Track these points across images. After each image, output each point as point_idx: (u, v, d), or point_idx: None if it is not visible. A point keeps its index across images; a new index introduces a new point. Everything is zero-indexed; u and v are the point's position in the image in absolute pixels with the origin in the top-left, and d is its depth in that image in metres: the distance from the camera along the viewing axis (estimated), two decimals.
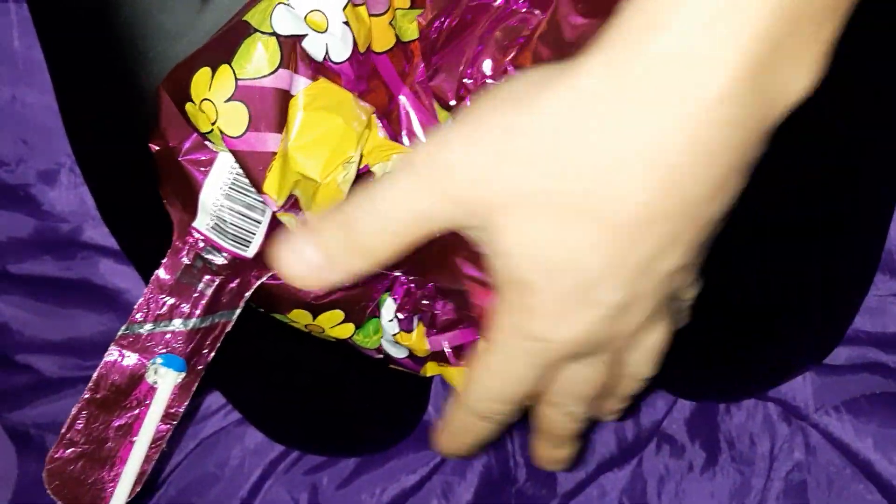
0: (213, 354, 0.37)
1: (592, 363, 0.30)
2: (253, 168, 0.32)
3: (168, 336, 0.36)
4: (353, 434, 0.56)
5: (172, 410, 0.37)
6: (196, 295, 0.37)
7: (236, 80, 0.31)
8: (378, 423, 0.56)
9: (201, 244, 0.36)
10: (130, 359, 0.36)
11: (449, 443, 0.34)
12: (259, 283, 0.37)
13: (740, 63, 0.23)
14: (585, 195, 0.25)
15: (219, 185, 0.36)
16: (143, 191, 0.42)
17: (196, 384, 0.37)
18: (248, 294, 0.37)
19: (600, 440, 0.61)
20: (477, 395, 0.31)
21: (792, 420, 0.61)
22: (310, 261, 0.28)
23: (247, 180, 0.34)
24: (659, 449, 0.62)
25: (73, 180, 0.61)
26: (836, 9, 0.24)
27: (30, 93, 0.60)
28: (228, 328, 0.38)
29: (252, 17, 0.32)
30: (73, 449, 0.36)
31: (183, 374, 0.37)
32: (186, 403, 0.37)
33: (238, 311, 0.38)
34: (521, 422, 0.60)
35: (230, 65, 0.31)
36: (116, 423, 0.36)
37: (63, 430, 0.36)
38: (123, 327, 0.36)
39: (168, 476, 0.62)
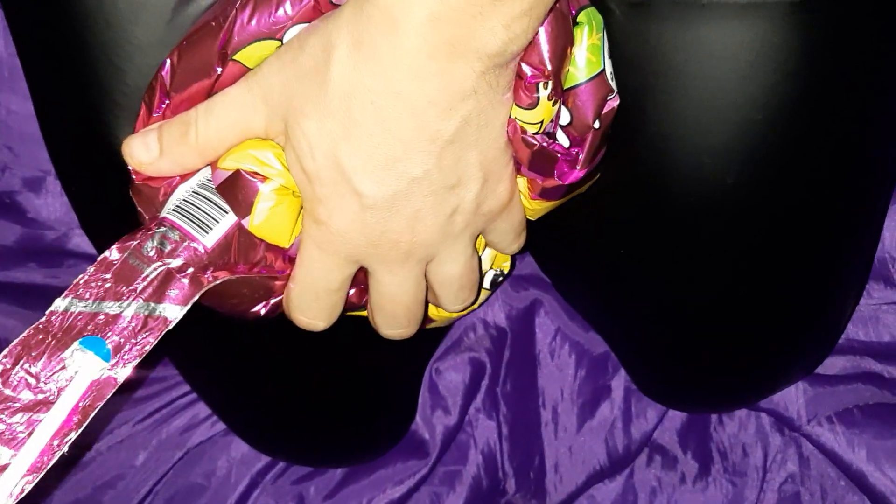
0: (145, 349, 0.33)
1: (384, 273, 0.36)
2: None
3: (100, 318, 0.33)
4: (340, 445, 0.56)
5: (85, 404, 0.32)
6: (141, 279, 0.34)
7: None
8: (365, 434, 0.56)
9: (159, 228, 0.35)
10: (53, 334, 0.33)
11: (299, 320, 0.39)
12: (210, 286, 0.35)
13: (436, 15, 0.31)
14: (341, 100, 0.32)
15: (195, 181, 0.36)
16: (121, 201, 0.42)
17: (119, 382, 0.33)
18: (197, 295, 0.35)
19: (590, 451, 0.61)
20: (292, 286, 0.37)
21: (785, 431, 0.60)
22: (151, 149, 0.36)
23: None
24: (650, 460, 0.62)
25: (59, 188, 0.61)
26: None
27: (15, 100, 0.59)
28: (170, 325, 0.34)
29: None
30: None
31: (106, 365, 0.33)
32: (102, 402, 0.32)
33: (183, 311, 0.35)
34: (511, 430, 0.60)
35: None
36: (24, 406, 0.32)
37: None
38: (56, 303, 0.33)
39: (154, 486, 0.61)
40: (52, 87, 0.42)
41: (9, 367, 0.32)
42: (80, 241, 0.62)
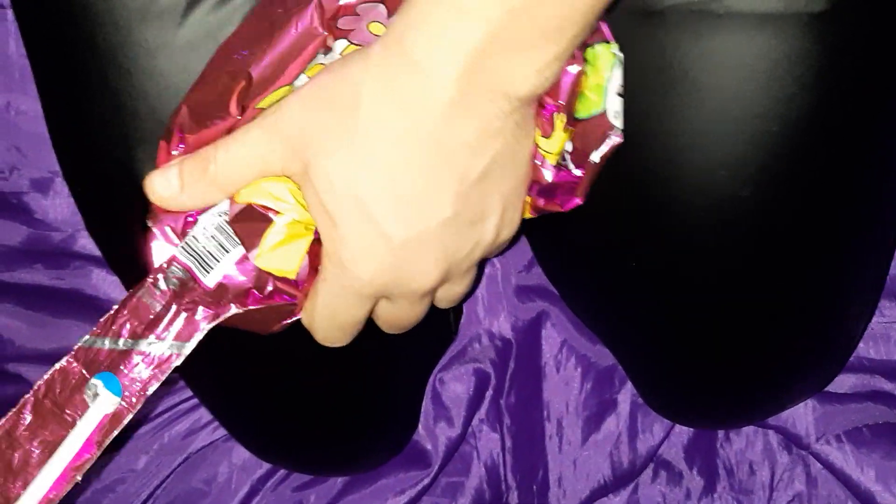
0: (153, 386, 0.36)
1: (402, 304, 0.37)
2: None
3: (115, 354, 0.36)
4: (341, 453, 0.56)
5: (98, 438, 0.35)
6: (151, 316, 0.36)
7: None
8: (367, 443, 0.56)
9: (169, 266, 0.37)
10: (76, 372, 0.35)
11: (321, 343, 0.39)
12: (216, 322, 0.37)
13: (472, 57, 0.32)
14: (368, 141, 0.33)
15: (211, 214, 0.37)
16: (126, 204, 0.42)
17: (129, 417, 0.36)
18: (202, 332, 0.37)
19: (595, 465, 0.60)
20: (316, 324, 0.38)
21: (793, 449, 0.60)
22: (171, 185, 0.36)
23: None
24: (656, 475, 0.61)
25: (66, 189, 0.61)
26: (551, 40, 0.32)
27: (24, 100, 0.60)
28: (176, 362, 0.37)
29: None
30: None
31: (118, 401, 0.35)
32: (114, 434, 0.35)
33: (190, 347, 0.37)
34: (515, 443, 0.60)
35: None
36: (43, 437, 0.35)
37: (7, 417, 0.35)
38: (81, 339, 0.36)
39: (155, 491, 0.61)
40: (59, 87, 0.42)
41: (41, 397, 0.36)
42: (87, 243, 0.62)
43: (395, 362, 0.52)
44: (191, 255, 0.36)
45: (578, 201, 0.38)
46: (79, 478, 0.35)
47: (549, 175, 0.38)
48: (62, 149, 0.44)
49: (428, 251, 0.35)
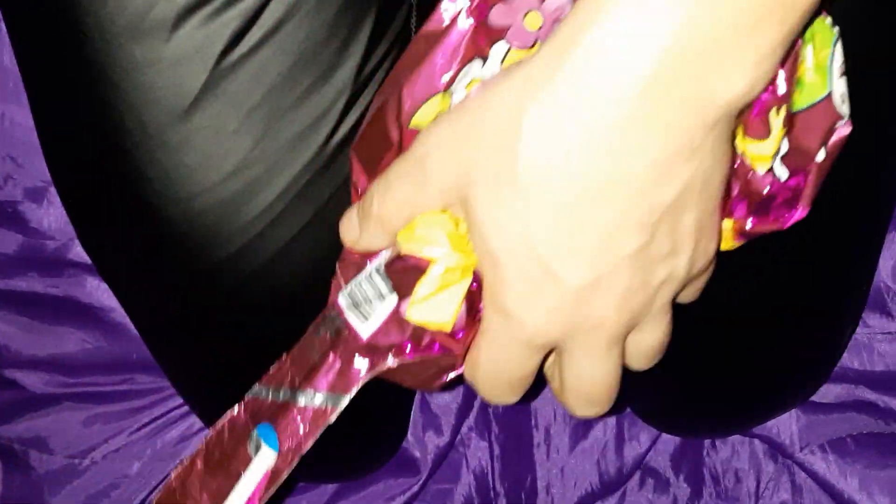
0: (309, 442, 0.34)
1: (583, 357, 0.31)
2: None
3: (274, 406, 0.34)
4: (331, 461, 0.56)
5: (260, 495, 0.33)
6: (309, 366, 0.34)
7: None
8: (355, 451, 0.56)
9: (330, 313, 0.34)
10: (241, 421, 0.34)
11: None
12: (371, 375, 0.34)
13: (662, 59, 0.26)
14: (536, 175, 0.28)
15: (377, 261, 0.34)
16: (117, 217, 0.42)
17: (285, 474, 0.34)
18: (358, 385, 0.34)
19: (582, 473, 0.61)
20: (480, 379, 0.33)
21: (778, 458, 0.60)
22: (353, 226, 0.33)
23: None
24: (643, 483, 0.62)
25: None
26: (774, 20, 0.26)
27: (19, 111, 0.60)
28: (331, 417, 0.34)
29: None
30: (166, 494, 0.34)
31: (275, 455, 0.33)
32: (272, 492, 0.33)
33: (345, 401, 0.34)
34: (503, 451, 0.60)
35: None
36: (210, 489, 0.34)
37: (172, 475, 0.34)
38: (252, 389, 0.34)
39: (148, 496, 0.62)
40: (50, 100, 0.43)
41: (211, 447, 0.34)
42: (81, 252, 0.62)
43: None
44: (350, 302, 0.34)
45: (802, 213, 0.32)
46: None
47: (764, 187, 0.32)
48: (53, 161, 0.45)
49: (607, 294, 0.29)
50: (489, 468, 0.61)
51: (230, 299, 0.42)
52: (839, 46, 0.31)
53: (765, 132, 0.31)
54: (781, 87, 0.30)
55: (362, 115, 0.41)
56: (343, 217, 0.34)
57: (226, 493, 0.33)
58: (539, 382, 0.33)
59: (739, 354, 0.48)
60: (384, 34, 0.41)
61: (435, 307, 0.32)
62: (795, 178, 0.32)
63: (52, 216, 0.62)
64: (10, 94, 0.60)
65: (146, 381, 0.62)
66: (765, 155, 0.31)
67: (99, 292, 0.63)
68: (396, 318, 0.33)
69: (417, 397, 0.60)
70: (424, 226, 0.32)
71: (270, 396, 0.34)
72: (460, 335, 0.33)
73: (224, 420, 0.34)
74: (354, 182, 0.35)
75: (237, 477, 0.33)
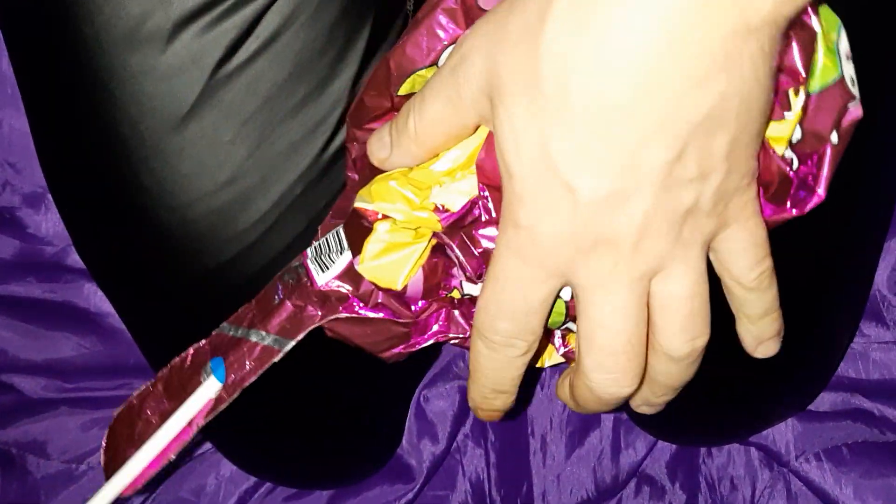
0: (250, 380, 0.35)
1: (599, 294, 0.29)
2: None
3: (227, 340, 0.36)
4: (326, 467, 0.56)
5: (199, 421, 0.36)
6: (269, 308, 0.35)
7: None
8: (350, 458, 0.56)
9: (296, 262, 0.36)
10: (204, 351, 0.36)
11: (476, 397, 0.33)
12: (317, 324, 0.35)
13: None
14: (557, 77, 0.26)
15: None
16: (111, 223, 0.43)
17: (223, 406, 0.36)
18: (304, 332, 0.35)
19: (578, 480, 0.61)
20: (482, 307, 0.31)
21: (774, 465, 0.60)
22: (384, 144, 0.33)
23: None
24: (639, 490, 0.62)
25: None
26: None
27: (18, 117, 0.60)
28: (276, 358, 0.35)
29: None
30: (126, 410, 0.37)
31: (220, 387, 0.35)
32: (209, 418, 0.36)
33: (289, 345, 0.35)
34: (499, 458, 0.60)
35: None
36: (162, 410, 0.36)
37: (134, 393, 0.37)
38: (221, 325, 0.37)
39: (144, 501, 0.62)
40: (46, 108, 0.43)
41: (173, 373, 0.37)
42: (79, 258, 0.62)
43: (378, 379, 0.53)
44: (315, 254, 0.35)
45: (820, 198, 0.31)
46: (172, 456, 0.36)
47: (783, 168, 0.31)
48: (49, 167, 0.45)
49: (625, 211, 0.27)
50: (485, 475, 0.61)
51: (223, 307, 0.42)
52: (843, 32, 0.31)
53: (782, 112, 0.30)
54: (802, 70, 0.29)
55: None
56: (372, 136, 0.33)
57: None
58: (531, 383, 0.33)
59: (737, 366, 0.48)
60: (380, 46, 0.41)
61: (385, 266, 0.33)
62: (807, 166, 0.31)
63: (50, 222, 0.62)
64: (9, 100, 0.60)
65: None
66: (782, 136, 0.31)
67: (96, 298, 0.63)
68: (351, 273, 0.34)
69: (413, 406, 0.60)
70: (382, 183, 0.33)
71: (230, 332, 0.36)
72: (415, 306, 0.34)
73: (190, 350, 0.36)
74: (348, 148, 0.36)
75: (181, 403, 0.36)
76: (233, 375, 0.35)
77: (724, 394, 0.50)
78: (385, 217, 0.33)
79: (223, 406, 0.36)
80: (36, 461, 0.62)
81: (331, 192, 0.41)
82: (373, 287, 0.34)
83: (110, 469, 0.37)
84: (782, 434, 0.59)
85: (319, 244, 0.35)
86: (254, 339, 0.35)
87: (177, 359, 0.36)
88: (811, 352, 0.50)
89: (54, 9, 0.39)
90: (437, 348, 0.61)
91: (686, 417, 0.54)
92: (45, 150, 0.44)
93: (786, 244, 0.42)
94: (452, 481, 0.61)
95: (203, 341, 0.36)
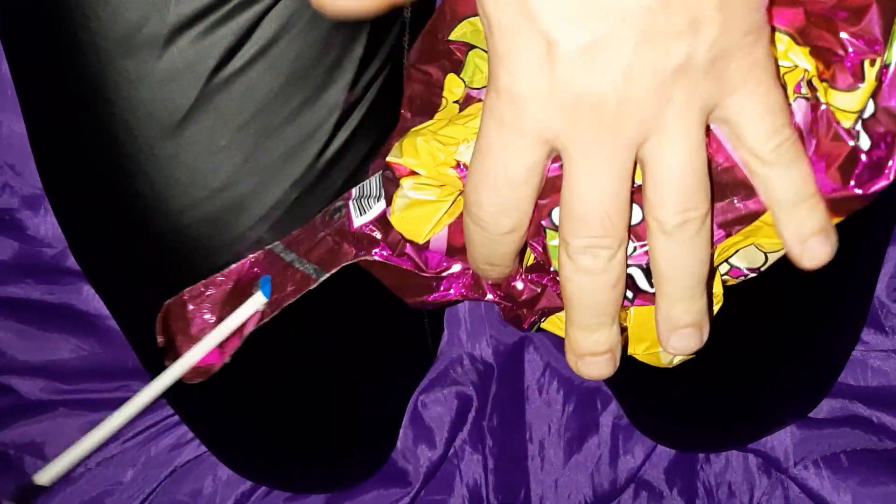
0: (287, 302, 0.38)
1: (584, 163, 0.27)
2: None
3: (279, 262, 0.39)
4: (319, 472, 0.56)
5: (243, 329, 0.39)
6: (313, 239, 0.39)
7: None
8: (345, 462, 0.56)
9: (340, 199, 0.38)
10: (263, 263, 0.40)
11: (474, 265, 0.31)
12: (347, 263, 0.37)
13: None
14: None
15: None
16: (107, 226, 0.43)
17: (267, 318, 0.38)
18: (336, 268, 0.37)
19: (576, 486, 0.61)
20: (469, 189, 0.29)
21: (772, 472, 0.60)
22: None
23: None
24: (637, 496, 0.62)
25: None
26: None
27: (18, 119, 0.60)
28: (311, 286, 0.38)
29: None
30: (182, 299, 0.40)
31: (264, 303, 0.38)
32: (251, 329, 0.39)
33: (324, 276, 0.37)
34: (497, 463, 0.60)
35: None
36: (223, 314, 0.39)
37: (196, 286, 0.40)
38: (275, 244, 0.40)
39: (143, 502, 0.62)
40: (43, 112, 0.43)
41: (242, 277, 0.40)
42: None
43: (374, 384, 0.53)
44: (358, 195, 0.37)
45: (887, 180, 0.29)
46: (227, 359, 0.40)
47: (847, 143, 0.28)
48: (45, 171, 0.45)
49: (603, 63, 0.25)
50: (483, 481, 0.61)
51: None
52: None
53: (855, 83, 0.28)
54: (880, 37, 0.27)
55: (352, 134, 0.41)
56: None
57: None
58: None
59: (741, 375, 0.48)
60: (376, 53, 0.41)
61: (411, 220, 0.33)
62: (879, 149, 0.29)
63: (49, 224, 0.62)
64: (9, 102, 0.60)
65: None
66: (851, 109, 0.28)
67: (95, 300, 0.63)
68: (384, 220, 0.35)
69: (410, 411, 0.60)
70: (411, 138, 0.33)
71: (281, 254, 0.39)
72: (437, 263, 0.35)
73: (250, 257, 0.40)
74: (405, 86, 0.37)
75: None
76: (276, 293, 0.38)
77: (724, 400, 0.50)
78: (412, 173, 0.33)
79: (265, 320, 0.39)
80: (33, 462, 0.62)
81: (325, 198, 0.41)
82: (400, 237, 0.35)
83: (169, 353, 0.41)
84: (781, 441, 0.58)
85: (362, 186, 0.37)
86: (297, 265, 0.38)
87: (245, 262, 0.40)
88: (813, 360, 0.50)
89: (51, 12, 0.39)
90: (433, 355, 0.61)
91: (686, 423, 0.54)
92: (41, 153, 0.44)
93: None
94: (450, 486, 0.61)
95: (262, 253, 0.40)
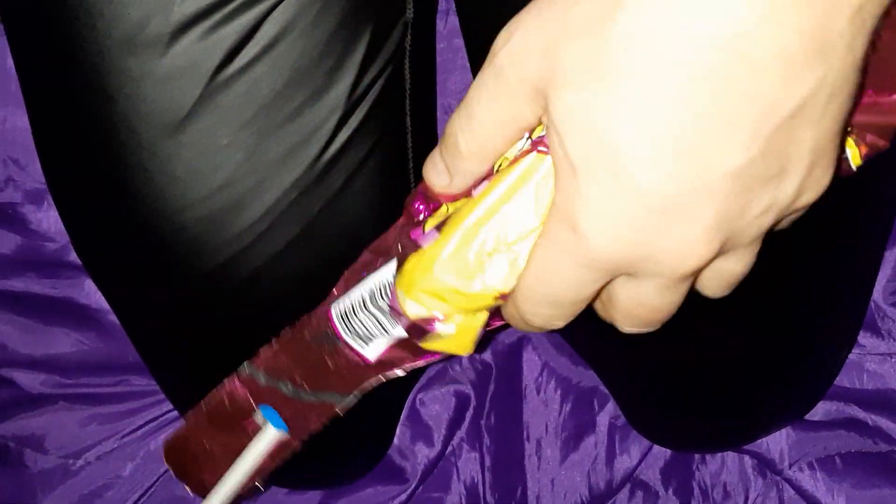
0: (315, 430, 0.37)
1: (650, 286, 0.27)
2: None
3: (277, 394, 0.36)
4: (318, 467, 0.56)
5: (273, 456, 0.37)
6: (309, 369, 0.35)
7: None
8: (344, 457, 0.56)
9: (326, 327, 0.34)
10: (242, 395, 0.36)
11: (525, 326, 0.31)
12: (375, 383, 0.35)
13: None
14: (626, 59, 0.23)
15: (370, 285, 0.33)
16: (109, 222, 0.43)
17: (290, 450, 0.37)
18: (360, 388, 0.35)
19: (572, 485, 0.61)
20: (523, 295, 0.28)
21: (767, 473, 0.60)
22: (440, 171, 0.30)
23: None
24: (632, 495, 0.62)
25: None
26: None
27: (21, 113, 0.60)
28: (338, 410, 0.36)
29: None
30: (184, 437, 0.38)
31: (283, 433, 0.36)
32: (285, 458, 0.37)
33: (349, 398, 0.36)
34: (494, 462, 0.60)
35: None
36: (224, 440, 0.37)
37: (184, 423, 0.38)
38: (243, 365, 0.36)
39: (140, 498, 0.62)
40: (46, 109, 0.43)
41: (212, 411, 0.37)
42: None
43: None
44: (348, 331, 0.34)
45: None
46: (260, 486, 0.38)
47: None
48: (48, 167, 0.45)
49: (698, 215, 0.24)
50: (480, 479, 0.61)
51: (215, 310, 0.43)
52: None
53: None
54: None
55: (353, 134, 0.41)
56: (426, 164, 0.30)
57: (235, 449, 0.37)
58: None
59: (737, 375, 0.48)
60: (378, 54, 0.41)
61: (452, 345, 0.30)
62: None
63: (51, 219, 0.62)
64: (13, 97, 0.60)
65: (141, 383, 0.62)
66: None
67: (96, 295, 0.63)
68: (406, 343, 0.32)
69: (408, 409, 0.60)
70: (426, 285, 0.29)
71: (265, 382, 0.36)
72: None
73: (223, 389, 0.36)
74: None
75: (243, 436, 0.37)
76: (296, 427, 0.37)
77: (721, 401, 0.51)
78: (441, 319, 0.30)
79: (289, 452, 0.38)
80: (33, 456, 0.62)
81: (325, 198, 0.41)
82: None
83: (192, 483, 0.39)
84: (776, 442, 0.59)
85: (351, 320, 0.33)
86: (306, 398, 0.36)
87: (215, 396, 0.37)
88: (809, 362, 0.50)
89: (55, 10, 0.40)
90: None
91: (683, 423, 0.55)
92: (45, 149, 0.45)
93: (787, 254, 0.43)
94: (447, 484, 0.61)
95: (236, 383, 0.36)
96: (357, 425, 0.55)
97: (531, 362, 0.61)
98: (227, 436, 0.37)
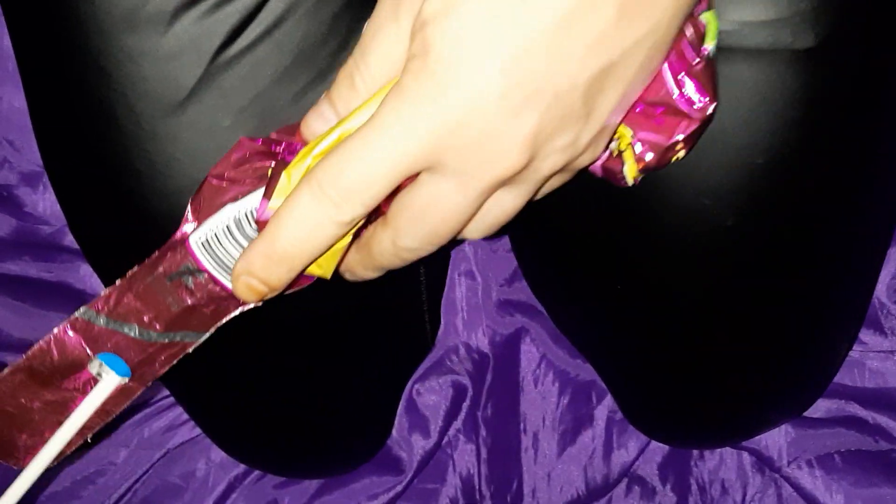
0: (164, 370, 0.36)
1: (451, 181, 0.29)
2: None
3: (119, 338, 0.34)
4: (315, 456, 0.56)
5: (108, 408, 0.35)
6: (162, 308, 0.35)
7: None
8: (340, 447, 0.56)
9: (186, 260, 0.35)
10: (75, 344, 0.34)
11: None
12: (238, 312, 0.35)
13: None
14: None
15: (233, 213, 0.34)
16: (107, 202, 0.42)
17: (139, 392, 0.36)
18: (222, 321, 0.35)
19: (569, 479, 0.61)
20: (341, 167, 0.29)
21: (765, 470, 0.60)
22: (327, 118, 0.32)
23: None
24: (629, 490, 0.62)
25: None
26: None
27: (17, 94, 0.60)
28: (190, 349, 0.36)
29: None
30: None
31: (126, 379, 0.35)
32: (124, 406, 0.36)
33: (206, 336, 0.36)
34: (490, 454, 0.60)
35: None
36: (47, 397, 0.35)
37: None
38: (79, 310, 0.34)
39: (133, 484, 0.62)
40: (43, 87, 0.43)
41: (35, 365, 0.34)
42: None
43: (370, 370, 0.52)
44: (211, 258, 0.34)
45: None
46: (89, 437, 0.36)
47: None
48: (45, 147, 0.45)
49: (522, 120, 0.27)
50: (476, 471, 0.61)
51: None
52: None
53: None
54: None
55: None
56: (306, 118, 0.32)
57: (61, 405, 0.35)
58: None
59: (735, 371, 0.48)
60: None
61: (317, 266, 0.32)
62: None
63: (47, 201, 0.62)
64: (9, 76, 0.60)
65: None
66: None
67: (92, 278, 0.63)
68: None
69: (405, 399, 0.60)
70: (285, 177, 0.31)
71: (106, 326, 0.34)
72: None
73: (50, 339, 0.34)
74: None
75: (72, 391, 0.35)
76: (141, 370, 0.35)
77: (719, 397, 0.50)
78: None
79: (137, 394, 0.36)
80: None
81: None
82: None
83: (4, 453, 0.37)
84: (775, 439, 0.58)
85: (211, 246, 0.34)
86: (157, 339, 0.35)
87: (36, 348, 0.34)
88: (809, 359, 0.50)
89: None
90: (430, 343, 0.61)
91: (681, 419, 0.54)
92: (42, 128, 0.44)
93: (786, 254, 0.42)
94: (443, 475, 0.61)
95: (66, 329, 0.34)
96: (356, 415, 0.55)
97: (529, 354, 0.61)
98: (51, 392, 0.35)
